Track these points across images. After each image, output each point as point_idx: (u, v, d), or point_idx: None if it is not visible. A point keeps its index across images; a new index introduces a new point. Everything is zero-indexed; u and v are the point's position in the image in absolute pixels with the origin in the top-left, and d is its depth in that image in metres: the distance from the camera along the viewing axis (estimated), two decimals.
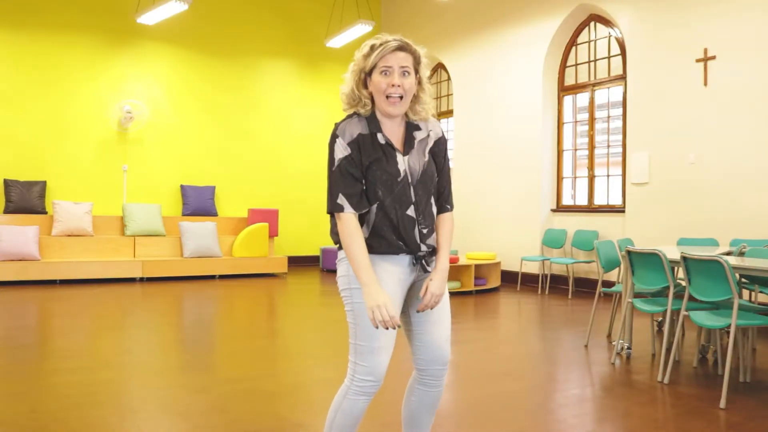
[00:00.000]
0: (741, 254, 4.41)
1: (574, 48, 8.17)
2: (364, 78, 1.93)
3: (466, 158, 9.28)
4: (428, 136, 2.01)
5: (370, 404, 3.26)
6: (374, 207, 1.93)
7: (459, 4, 9.49)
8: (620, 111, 7.59)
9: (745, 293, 5.10)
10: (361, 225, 1.95)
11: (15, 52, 8.42)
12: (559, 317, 6.00)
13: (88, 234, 8.28)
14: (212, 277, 8.69)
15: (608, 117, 7.80)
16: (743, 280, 4.21)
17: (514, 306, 6.68)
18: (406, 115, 1.98)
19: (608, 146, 7.78)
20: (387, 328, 1.87)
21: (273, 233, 9.47)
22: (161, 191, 9.35)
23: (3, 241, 7.49)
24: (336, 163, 1.94)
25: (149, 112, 9.22)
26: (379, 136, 1.93)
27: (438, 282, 1.96)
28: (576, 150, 8.19)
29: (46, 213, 8.35)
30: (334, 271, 9.76)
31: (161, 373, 3.78)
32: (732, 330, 3.33)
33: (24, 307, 6.05)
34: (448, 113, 9.98)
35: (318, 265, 10.49)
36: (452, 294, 7.05)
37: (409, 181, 1.93)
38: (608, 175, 7.75)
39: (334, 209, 1.94)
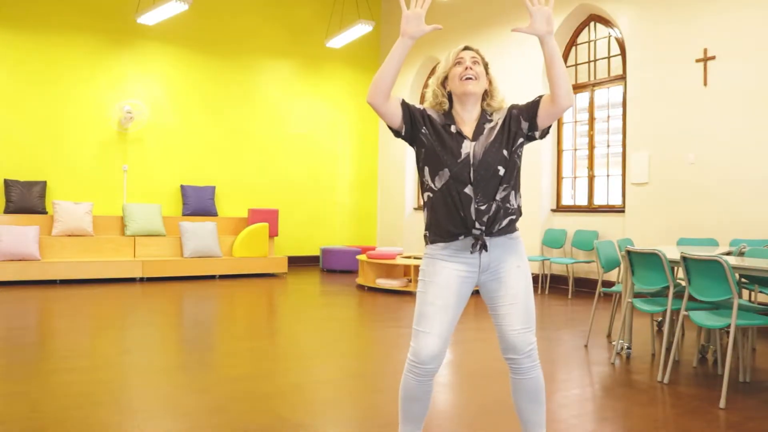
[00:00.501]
0: (741, 254, 4.41)
1: (574, 48, 8.17)
2: (443, 80, 2.28)
3: None
4: (496, 123, 2.24)
5: (369, 404, 3.27)
6: (437, 185, 2.18)
7: (459, 4, 9.49)
8: (620, 111, 7.59)
9: (745, 293, 5.10)
10: (426, 192, 2.23)
11: (15, 52, 8.42)
12: (559, 317, 6.00)
13: (88, 234, 8.28)
14: (212, 277, 8.69)
15: (608, 117, 7.80)
16: (743, 280, 4.21)
17: None
18: (482, 108, 2.27)
19: (608, 146, 7.78)
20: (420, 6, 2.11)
21: (273, 233, 9.48)
22: (161, 191, 9.36)
23: (3, 241, 7.49)
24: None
25: (149, 112, 9.22)
26: (452, 127, 2.22)
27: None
28: (576, 150, 8.19)
29: (46, 213, 8.35)
30: (334, 271, 9.77)
31: (161, 373, 3.78)
32: (732, 330, 3.33)
33: (24, 307, 6.05)
34: None
35: (318, 265, 10.49)
36: None
37: (470, 162, 2.16)
38: (608, 175, 7.75)
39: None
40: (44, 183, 8.40)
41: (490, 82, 2.29)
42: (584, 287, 7.73)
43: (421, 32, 2.11)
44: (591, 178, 7.94)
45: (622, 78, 7.48)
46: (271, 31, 10.31)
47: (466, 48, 2.28)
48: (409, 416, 2.25)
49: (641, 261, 4.02)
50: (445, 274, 2.18)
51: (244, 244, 8.99)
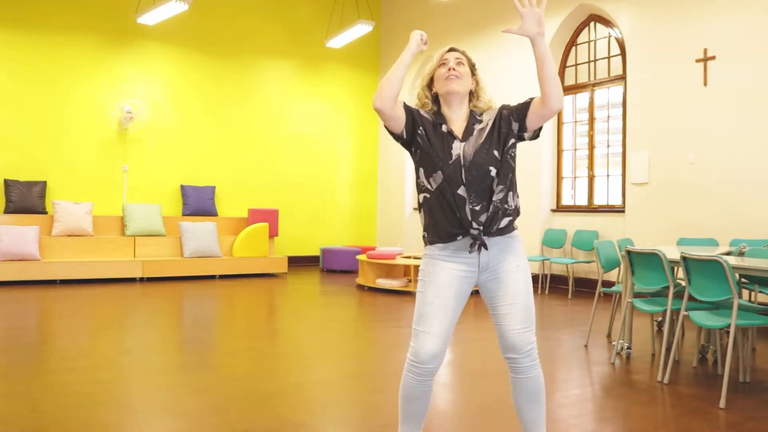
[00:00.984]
0: (741, 254, 4.41)
1: (574, 48, 8.17)
2: (429, 82, 2.31)
3: None
4: (487, 124, 2.25)
5: (369, 404, 3.27)
6: (432, 186, 2.20)
7: (459, 4, 9.49)
8: (620, 111, 7.59)
9: (745, 293, 5.10)
10: (422, 193, 2.25)
11: (15, 52, 8.42)
12: (559, 317, 6.00)
13: (88, 234, 8.28)
14: (212, 277, 8.69)
15: (608, 117, 7.80)
16: (743, 280, 4.21)
17: None
18: (470, 109, 2.29)
19: (608, 146, 7.78)
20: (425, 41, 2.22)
21: (273, 233, 9.48)
22: (161, 191, 9.35)
23: (3, 241, 7.49)
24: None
25: (149, 112, 9.22)
26: (443, 126, 2.25)
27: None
28: (576, 150, 8.19)
29: (46, 213, 8.35)
30: (334, 271, 9.77)
31: (161, 373, 3.78)
32: (732, 330, 3.33)
33: (24, 307, 6.05)
34: None
35: (318, 265, 10.49)
36: None
37: (461, 163, 2.17)
38: (608, 175, 7.75)
39: None
40: (44, 183, 8.40)
41: (477, 83, 2.31)
42: (584, 287, 7.73)
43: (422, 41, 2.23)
44: (591, 178, 7.94)
45: (622, 78, 7.48)
46: (271, 31, 10.31)
47: (452, 49, 2.30)
48: (409, 416, 2.25)
49: (641, 261, 4.02)
50: (444, 274, 2.20)
51: (244, 244, 8.99)
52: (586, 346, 4.66)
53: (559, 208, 8.21)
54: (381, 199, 11.32)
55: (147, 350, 4.46)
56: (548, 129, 8.21)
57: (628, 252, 4.10)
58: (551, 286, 8.04)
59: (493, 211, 2.17)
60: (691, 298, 3.71)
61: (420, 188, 2.27)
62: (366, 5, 10.96)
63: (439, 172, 2.17)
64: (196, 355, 4.29)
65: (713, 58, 6.36)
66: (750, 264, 3.56)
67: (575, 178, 8.18)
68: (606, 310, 6.10)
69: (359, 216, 11.20)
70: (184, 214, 9.25)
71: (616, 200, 7.61)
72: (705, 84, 6.43)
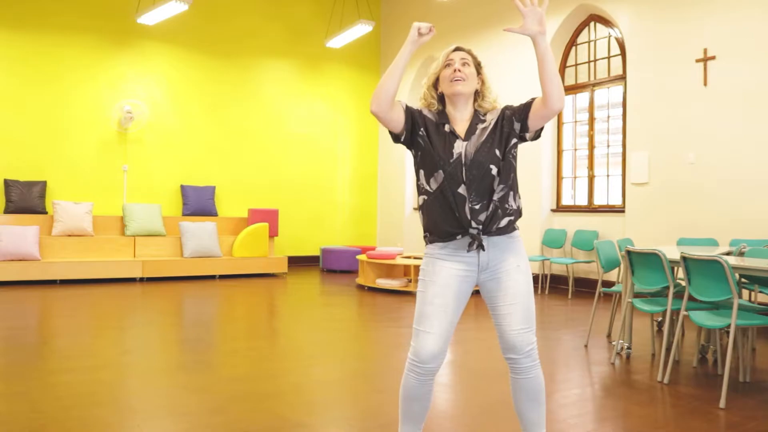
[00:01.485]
0: (741, 254, 4.41)
1: (573, 48, 8.17)
2: (435, 82, 2.31)
3: None
4: (490, 124, 2.26)
5: (369, 404, 3.27)
6: (432, 187, 2.20)
7: (459, 4, 9.49)
8: (620, 111, 7.59)
9: (745, 293, 5.10)
10: (422, 195, 2.26)
11: (15, 52, 8.42)
12: (559, 317, 6.00)
13: (88, 234, 8.28)
14: (212, 277, 8.69)
15: (608, 117, 7.80)
16: (743, 280, 4.21)
17: None
18: (474, 109, 2.29)
19: (608, 146, 7.78)
20: (425, 32, 2.16)
21: (273, 233, 9.48)
22: (161, 191, 9.35)
23: (3, 241, 7.49)
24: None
25: (149, 112, 9.22)
26: (446, 126, 2.26)
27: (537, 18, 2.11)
28: (576, 150, 8.20)
29: (46, 213, 8.35)
30: (334, 271, 9.77)
31: (161, 373, 3.78)
32: (732, 330, 3.33)
33: (24, 307, 6.05)
34: None
35: (318, 265, 10.49)
36: None
37: (462, 162, 2.18)
38: (608, 175, 7.75)
39: None
40: (44, 183, 8.40)
41: (483, 82, 2.30)
42: (584, 287, 7.73)
43: (430, 32, 2.19)
44: (591, 178, 7.94)
45: (622, 78, 7.48)
46: (271, 31, 10.31)
47: (457, 49, 2.30)
48: (410, 416, 2.25)
49: (641, 261, 4.02)
50: (444, 274, 2.20)
51: (244, 244, 8.99)
52: (586, 346, 4.66)
53: (559, 208, 8.21)
54: (381, 199, 11.32)
55: (147, 350, 4.46)
56: (548, 129, 8.21)
57: (628, 252, 4.10)
58: (551, 286, 8.03)
59: (493, 209, 2.17)
60: (691, 298, 3.71)
61: (420, 190, 2.28)
62: (366, 5, 10.96)
63: (440, 171, 2.18)
64: (196, 355, 4.29)
65: (713, 58, 6.36)
66: (750, 264, 3.56)
67: (575, 178, 8.18)
68: (606, 310, 6.10)
69: (359, 216, 11.20)
70: (184, 214, 9.25)
71: (616, 200, 7.61)
72: (705, 84, 6.43)
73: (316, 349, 4.58)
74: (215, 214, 9.49)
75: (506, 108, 2.29)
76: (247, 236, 9.03)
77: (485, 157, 2.18)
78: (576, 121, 8.21)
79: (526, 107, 2.23)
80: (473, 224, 2.16)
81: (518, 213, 2.27)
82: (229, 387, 3.47)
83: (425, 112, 2.29)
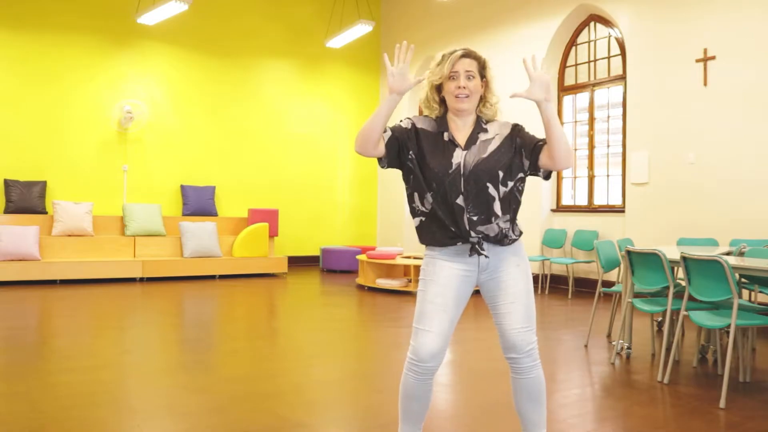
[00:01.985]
0: (741, 254, 4.41)
1: (573, 48, 8.18)
2: (437, 86, 2.24)
3: None
4: (493, 138, 2.22)
5: (369, 404, 3.27)
6: (430, 197, 2.18)
7: (459, 4, 9.49)
8: (620, 111, 7.59)
9: (745, 293, 5.10)
10: (418, 216, 2.23)
11: (16, 52, 8.42)
12: (559, 317, 6.00)
13: (88, 234, 8.28)
14: (212, 277, 8.69)
15: (608, 117, 7.80)
16: (743, 280, 4.21)
17: None
18: (477, 115, 2.25)
19: (608, 146, 7.78)
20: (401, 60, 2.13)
21: (273, 233, 9.48)
22: (161, 191, 9.35)
23: (3, 241, 7.49)
24: (391, 125, 2.23)
25: (149, 112, 9.22)
26: (445, 134, 2.22)
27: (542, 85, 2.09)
28: (576, 150, 8.19)
29: (46, 213, 8.35)
30: (334, 271, 9.77)
31: (161, 373, 3.78)
32: (732, 330, 3.33)
33: (24, 307, 6.05)
34: None
35: (318, 265, 10.49)
36: None
37: (461, 172, 2.15)
38: (608, 175, 7.75)
39: None
40: (44, 183, 8.40)
41: (487, 84, 2.24)
42: (584, 287, 7.73)
43: (408, 87, 2.12)
44: (591, 178, 7.94)
45: (622, 78, 7.48)
46: (271, 31, 10.31)
47: (464, 55, 2.20)
48: (409, 415, 2.25)
49: (641, 261, 4.02)
50: (444, 273, 2.20)
51: (244, 244, 8.99)
52: (586, 346, 4.66)
53: (559, 208, 8.21)
54: (381, 199, 11.32)
55: (147, 350, 4.46)
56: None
57: (628, 252, 4.10)
58: (551, 286, 8.04)
59: (493, 229, 2.18)
60: (691, 298, 3.71)
61: (415, 212, 2.26)
62: (366, 5, 10.96)
63: (434, 188, 2.15)
64: (196, 355, 4.29)
65: (713, 58, 6.36)
66: (750, 264, 3.56)
67: (575, 178, 8.18)
68: (606, 310, 6.10)
69: (359, 216, 11.20)
70: (184, 214, 9.25)
71: (616, 200, 7.61)
72: (705, 84, 6.43)
73: (316, 349, 4.58)
74: (215, 214, 9.49)
75: (516, 132, 2.22)
76: (247, 236, 9.03)
77: (484, 173, 2.15)
78: (576, 121, 8.21)
79: (537, 150, 2.17)
80: (472, 234, 2.16)
81: (520, 235, 2.27)
82: (229, 387, 3.47)
83: (421, 123, 2.24)
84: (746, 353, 3.84)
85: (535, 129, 2.21)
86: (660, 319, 5.22)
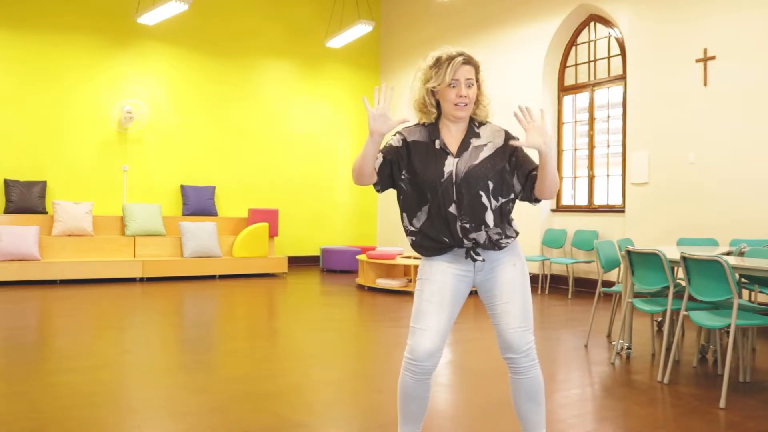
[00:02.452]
0: (741, 254, 4.41)
1: (573, 48, 8.17)
2: (432, 89, 2.19)
3: None
4: (486, 145, 2.21)
5: (369, 404, 3.27)
6: (421, 212, 2.21)
7: (459, 4, 9.49)
8: (620, 111, 7.59)
9: (745, 293, 5.10)
10: (409, 218, 2.25)
11: (16, 52, 8.42)
12: (559, 317, 6.00)
13: (88, 234, 8.28)
14: (212, 277, 8.69)
15: (608, 117, 7.80)
16: (743, 280, 4.21)
17: None
18: (470, 118, 2.25)
19: (608, 146, 7.78)
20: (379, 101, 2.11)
21: (273, 233, 9.48)
22: (161, 191, 9.36)
23: (3, 241, 7.49)
24: (383, 144, 2.24)
25: (149, 112, 9.22)
26: (437, 142, 2.21)
27: (538, 135, 2.08)
28: (576, 150, 8.20)
29: (46, 213, 8.35)
30: (334, 271, 9.77)
31: (161, 373, 3.78)
32: (732, 330, 3.33)
33: (24, 307, 6.05)
34: None
35: (318, 265, 10.49)
36: None
37: (453, 180, 2.16)
38: (608, 175, 7.75)
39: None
40: (44, 183, 8.40)
41: (480, 86, 2.23)
42: (584, 287, 7.73)
43: (390, 128, 2.12)
44: (591, 178, 7.94)
45: (622, 78, 7.48)
46: (271, 31, 10.31)
47: (464, 62, 2.17)
48: (408, 415, 2.25)
49: (641, 261, 4.02)
50: (441, 272, 2.22)
51: (244, 244, 8.99)
52: (586, 346, 4.66)
53: (559, 208, 8.21)
54: (381, 199, 11.32)
55: (147, 350, 4.46)
56: (548, 129, 8.20)
57: (628, 252, 4.10)
58: (551, 286, 8.03)
59: (486, 236, 2.19)
60: (691, 298, 3.71)
61: (407, 232, 2.28)
62: (366, 5, 10.96)
63: (428, 198, 2.17)
64: (196, 355, 4.29)
65: (713, 58, 6.36)
66: (750, 264, 3.56)
67: (575, 178, 8.18)
68: (606, 310, 6.10)
69: (359, 216, 11.20)
70: (184, 214, 9.26)
71: (616, 200, 7.61)
72: (705, 84, 6.43)
73: (316, 349, 4.58)
74: (215, 214, 9.49)
75: (512, 149, 2.21)
76: (247, 236, 9.03)
77: (476, 180, 2.15)
78: (576, 121, 8.21)
79: (531, 180, 2.18)
80: (465, 241, 2.18)
81: (515, 236, 2.27)
82: (229, 387, 3.47)
83: (412, 135, 2.23)
84: (746, 353, 3.84)
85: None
86: (660, 319, 5.22)
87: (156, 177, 9.32)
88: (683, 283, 3.84)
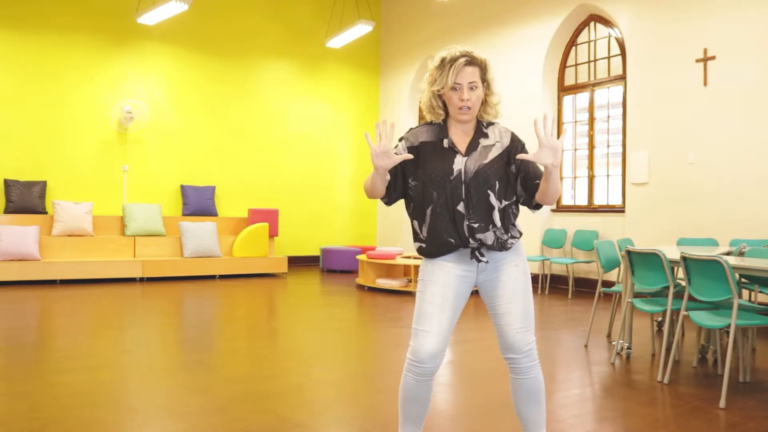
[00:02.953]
0: (741, 254, 4.41)
1: (573, 48, 8.17)
2: (438, 90, 2.19)
3: None
4: (494, 145, 2.21)
5: (369, 404, 3.27)
6: (424, 234, 2.22)
7: (459, 4, 9.49)
8: (620, 111, 7.59)
9: (745, 293, 5.10)
10: (419, 225, 2.24)
11: (16, 52, 8.42)
12: (559, 317, 6.00)
13: (88, 234, 8.28)
14: (212, 277, 8.69)
15: (608, 117, 7.80)
16: (743, 280, 4.21)
17: None
18: (477, 119, 2.24)
19: (608, 146, 7.78)
20: (380, 138, 2.09)
21: (273, 233, 9.48)
22: (161, 191, 9.36)
23: (3, 241, 7.49)
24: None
25: (149, 112, 9.22)
26: (445, 141, 2.21)
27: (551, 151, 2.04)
28: (576, 150, 8.19)
29: (46, 213, 8.35)
30: (334, 271, 9.77)
31: (161, 373, 3.78)
32: (732, 330, 3.33)
33: (24, 307, 6.05)
34: None
35: (318, 265, 10.49)
36: None
37: (462, 179, 2.15)
38: (608, 175, 7.75)
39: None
40: (44, 183, 8.40)
41: (488, 85, 2.20)
42: (584, 287, 7.73)
43: (392, 164, 2.11)
44: (591, 178, 7.94)
45: (622, 78, 7.48)
46: (271, 31, 10.31)
47: (467, 64, 2.13)
48: (409, 416, 2.25)
49: (641, 261, 4.02)
50: (443, 274, 2.21)
51: (244, 244, 8.99)
52: (586, 346, 4.66)
53: (559, 208, 8.21)
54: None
55: (147, 350, 4.46)
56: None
57: (628, 252, 4.10)
58: (551, 286, 8.03)
59: (493, 236, 2.19)
60: (691, 298, 3.71)
61: (416, 239, 2.28)
62: (366, 5, 10.96)
63: (434, 198, 2.16)
64: (196, 355, 4.29)
65: (713, 58, 6.36)
66: (750, 264, 3.56)
67: (575, 178, 8.18)
68: (606, 310, 6.10)
69: (359, 216, 11.20)
70: (184, 214, 9.26)
71: (616, 200, 7.61)
72: (705, 84, 6.43)
73: (316, 349, 4.58)
74: (215, 214, 9.49)
75: (516, 146, 2.21)
76: (247, 236, 9.03)
77: (485, 179, 2.15)
78: (576, 121, 8.21)
79: (533, 189, 2.19)
80: (471, 241, 2.17)
81: (519, 237, 2.28)
82: (229, 387, 3.47)
83: (420, 137, 2.23)
84: (746, 353, 3.84)
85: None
86: (660, 319, 5.22)
87: (156, 177, 9.32)
88: (683, 283, 3.84)
